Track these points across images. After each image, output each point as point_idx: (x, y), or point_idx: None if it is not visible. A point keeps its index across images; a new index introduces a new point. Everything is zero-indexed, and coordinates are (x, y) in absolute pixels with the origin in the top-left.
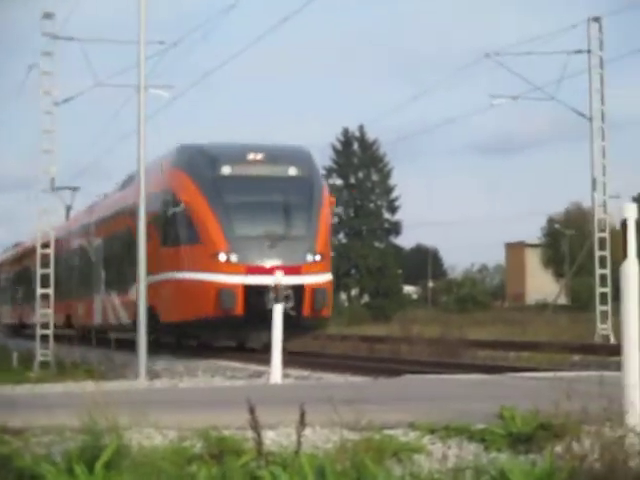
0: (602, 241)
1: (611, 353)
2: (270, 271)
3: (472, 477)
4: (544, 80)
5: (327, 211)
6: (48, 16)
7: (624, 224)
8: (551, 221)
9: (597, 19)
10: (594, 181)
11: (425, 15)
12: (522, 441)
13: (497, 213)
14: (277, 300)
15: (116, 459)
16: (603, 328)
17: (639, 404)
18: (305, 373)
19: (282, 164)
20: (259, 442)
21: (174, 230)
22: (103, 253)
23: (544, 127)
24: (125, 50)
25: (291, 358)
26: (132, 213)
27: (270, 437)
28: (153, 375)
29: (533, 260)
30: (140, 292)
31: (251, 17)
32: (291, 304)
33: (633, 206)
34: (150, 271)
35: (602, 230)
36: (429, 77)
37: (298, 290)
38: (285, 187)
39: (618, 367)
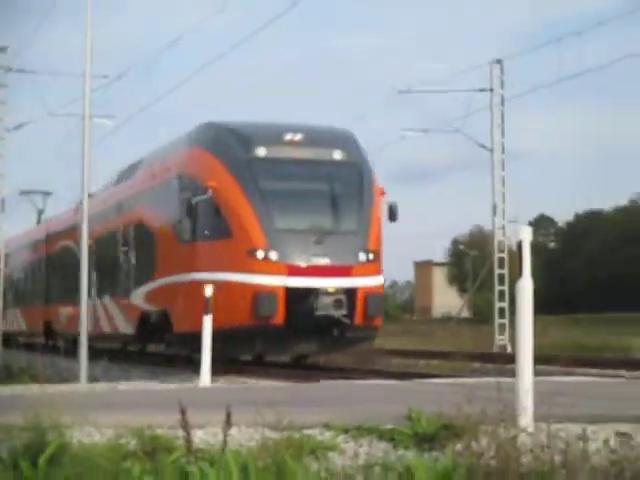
0: (501, 260)
1: (508, 361)
2: (317, 271)
3: (381, 473)
4: (452, 115)
5: (379, 202)
6: (1, 50)
7: (520, 245)
8: (456, 242)
9: (499, 61)
10: (494, 207)
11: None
12: (427, 440)
13: (408, 234)
14: (207, 312)
15: (58, 455)
16: (501, 339)
17: (530, 408)
18: (232, 378)
19: (325, 146)
20: (189, 440)
21: (197, 222)
22: (95, 253)
23: (451, 158)
24: (75, 81)
25: (219, 364)
26: (138, 205)
27: (199, 436)
28: (93, 379)
29: (439, 277)
30: (82, 308)
31: (194, 50)
32: (343, 311)
33: (528, 229)
34: (163, 271)
35: (501, 251)
36: (352, 110)
37: (349, 294)
38: (331, 173)
39: (513, 374)
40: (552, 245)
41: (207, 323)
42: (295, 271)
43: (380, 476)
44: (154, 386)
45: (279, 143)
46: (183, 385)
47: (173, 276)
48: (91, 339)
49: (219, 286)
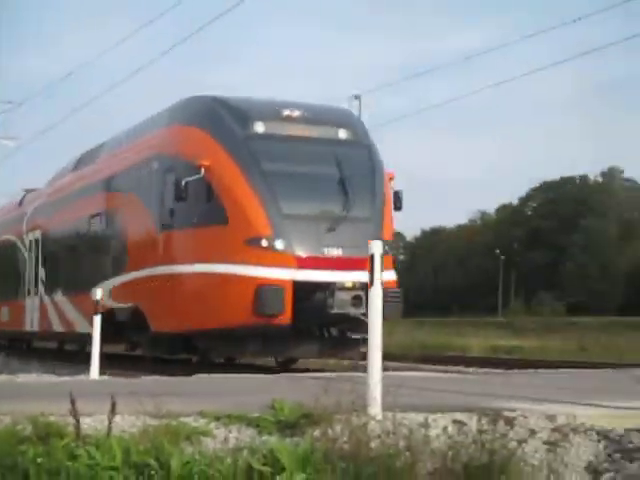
0: None
1: (362, 358)
2: (330, 264)
3: (248, 455)
4: None
5: (389, 188)
6: None
7: (372, 257)
8: None
9: (357, 97)
10: None
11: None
12: (289, 427)
13: None
14: (96, 312)
15: None
16: None
17: (379, 398)
18: (119, 371)
19: (329, 124)
20: (77, 427)
21: (185, 206)
22: (43, 247)
23: None
24: None
25: (109, 360)
26: (103, 191)
27: (87, 423)
28: None
29: None
30: None
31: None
32: (362, 308)
33: (379, 243)
34: (136, 264)
35: None
36: None
37: (366, 290)
38: (339, 153)
39: (366, 369)
40: (402, 257)
41: (97, 322)
42: (305, 263)
43: (246, 458)
44: (50, 378)
45: (279, 119)
46: (75, 377)
47: (149, 269)
48: (39, 338)
49: (214, 280)
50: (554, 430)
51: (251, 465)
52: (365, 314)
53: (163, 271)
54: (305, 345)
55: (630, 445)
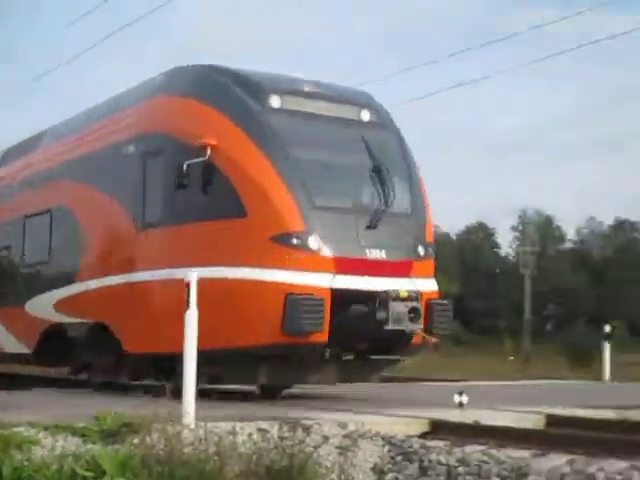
0: None
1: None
2: (375, 268)
3: (72, 461)
4: None
5: (422, 180)
6: None
7: (188, 285)
8: None
9: None
10: None
11: None
12: (111, 435)
13: None
14: None
15: None
16: None
17: (192, 410)
18: None
19: (351, 103)
20: None
21: (183, 196)
22: None
23: None
24: None
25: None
26: (51, 183)
27: None
28: None
29: None
30: None
31: None
32: (420, 324)
33: (195, 274)
34: (101, 270)
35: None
36: None
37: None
38: (367, 136)
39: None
40: None
41: None
42: (346, 266)
43: (71, 464)
44: None
45: (296, 93)
46: None
47: (122, 276)
48: None
49: (227, 287)
50: (345, 436)
51: (75, 470)
52: (422, 329)
53: (146, 278)
54: (328, 369)
55: (410, 449)
